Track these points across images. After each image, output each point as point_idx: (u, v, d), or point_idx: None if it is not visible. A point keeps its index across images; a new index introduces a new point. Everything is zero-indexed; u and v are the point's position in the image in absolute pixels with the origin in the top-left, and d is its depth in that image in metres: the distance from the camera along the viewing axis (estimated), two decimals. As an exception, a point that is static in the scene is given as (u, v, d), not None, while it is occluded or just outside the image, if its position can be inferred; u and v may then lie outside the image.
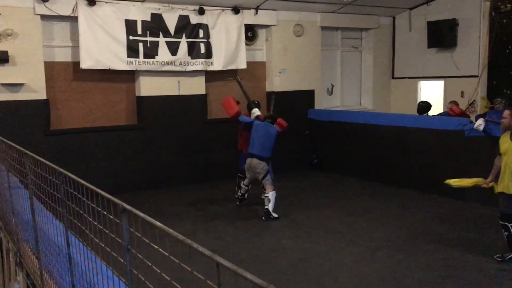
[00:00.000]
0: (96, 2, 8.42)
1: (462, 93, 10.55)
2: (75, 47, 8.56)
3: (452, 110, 8.77)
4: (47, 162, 3.50)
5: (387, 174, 9.36)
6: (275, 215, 7.30)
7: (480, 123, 7.50)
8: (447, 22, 10.62)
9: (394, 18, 12.24)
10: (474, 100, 10.31)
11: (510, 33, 10.93)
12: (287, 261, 5.63)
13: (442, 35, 10.72)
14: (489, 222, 6.89)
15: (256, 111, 7.83)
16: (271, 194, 7.31)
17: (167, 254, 2.07)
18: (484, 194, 7.69)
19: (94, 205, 2.67)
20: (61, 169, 3.14)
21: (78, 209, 3.03)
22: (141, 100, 9.28)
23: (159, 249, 2.14)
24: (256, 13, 10.16)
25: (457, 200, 7.97)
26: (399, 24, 12.17)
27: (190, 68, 9.46)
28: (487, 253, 5.67)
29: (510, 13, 10.80)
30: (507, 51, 11.07)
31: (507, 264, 5.33)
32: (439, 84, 11.36)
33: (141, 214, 2.16)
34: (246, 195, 7.97)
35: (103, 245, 2.73)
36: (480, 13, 10.22)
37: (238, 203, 8.03)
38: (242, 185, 7.97)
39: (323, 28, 11.31)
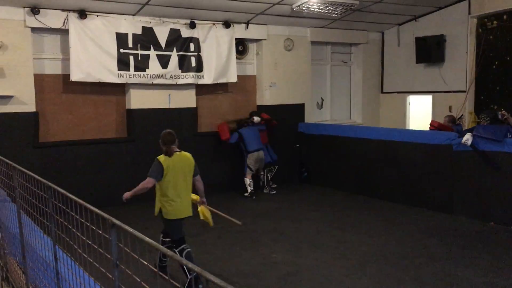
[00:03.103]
0: (87, 15, 8.45)
1: (450, 108, 10.68)
2: (66, 59, 8.55)
3: (431, 125, 8.86)
4: (35, 176, 3.48)
5: (376, 187, 9.41)
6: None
7: (468, 138, 7.60)
8: (435, 38, 10.79)
9: (383, 33, 12.41)
10: (462, 115, 10.44)
11: (496, 49, 11.13)
12: (276, 275, 5.62)
13: (430, 50, 10.87)
14: (476, 235, 6.95)
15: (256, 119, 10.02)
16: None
17: (156, 269, 2.06)
18: (471, 208, 7.78)
19: (82, 220, 2.65)
20: (49, 183, 3.12)
21: (66, 223, 3.01)
22: (131, 113, 9.27)
23: (148, 264, 2.13)
24: (247, 28, 10.24)
25: (444, 214, 8.04)
26: (388, 40, 12.34)
27: (181, 81, 9.48)
28: (475, 266, 5.71)
29: (497, 30, 11.01)
30: (494, 67, 11.26)
31: (494, 277, 5.36)
32: (428, 99, 11.49)
33: (130, 229, 2.15)
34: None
35: (91, 260, 2.71)
36: (467, 29, 10.41)
37: (254, 197, 9.63)
38: (249, 181, 9.75)
39: (313, 42, 11.42)
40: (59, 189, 2.96)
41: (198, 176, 5.49)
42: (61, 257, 3.23)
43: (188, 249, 5.23)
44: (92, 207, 2.51)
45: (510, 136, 7.32)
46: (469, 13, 10.32)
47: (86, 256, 2.77)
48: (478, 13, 10.23)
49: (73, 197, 2.75)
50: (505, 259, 5.95)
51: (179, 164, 5.21)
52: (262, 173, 10.07)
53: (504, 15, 11.01)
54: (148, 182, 5.16)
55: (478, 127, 7.76)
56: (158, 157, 5.21)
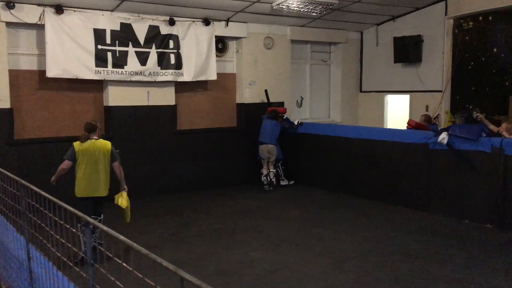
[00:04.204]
0: (64, 10, 8.30)
1: (427, 107, 10.84)
2: (42, 55, 8.39)
3: (409, 124, 9.02)
4: (8, 173, 3.40)
5: (354, 186, 9.49)
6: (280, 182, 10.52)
7: (443, 137, 7.72)
8: (413, 38, 10.93)
9: (362, 33, 12.52)
10: (438, 114, 10.60)
11: (472, 49, 11.32)
12: (255, 273, 5.62)
13: (407, 50, 11.01)
14: (452, 233, 7.07)
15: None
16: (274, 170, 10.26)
17: (131, 268, 2.03)
18: (447, 205, 7.91)
19: (56, 218, 2.60)
20: (22, 181, 3.05)
21: (40, 222, 2.95)
22: (109, 110, 9.15)
23: (123, 263, 2.10)
24: (227, 25, 10.21)
25: (421, 212, 8.15)
26: (367, 39, 12.45)
27: (160, 78, 9.39)
28: (451, 263, 5.81)
29: (473, 31, 11.21)
30: (470, 67, 11.47)
31: (469, 274, 5.46)
32: (405, 98, 11.64)
33: (105, 228, 2.12)
34: (272, 179, 10.21)
35: (65, 259, 2.66)
36: (444, 30, 10.57)
37: (271, 188, 10.16)
38: (264, 172, 10.17)
39: (293, 41, 11.46)
40: (32, 187, 2.90)
41: (116, 162, 6.12)
42: (34, 256, 3.17)
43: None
44: (66, 205, 2.46)
45: (484, 135, 7.46)
46: (446, 14, 10.49)
47: (60, 255, 2.72)
48: (455, 14, 10.40)
49: (47, 195, 2.70)
50: (480, 256, 6.07)
51: (90, 149, 5.93)
52: (272, 167, 10.27)
53: (480, 16, 11.21)
54: (63, 164, 5.95)
55: (454, 126, 7.88)
56: (74, 143, 6.00)
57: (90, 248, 2.23)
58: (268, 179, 10.13)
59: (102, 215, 6.10)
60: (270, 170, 10.15)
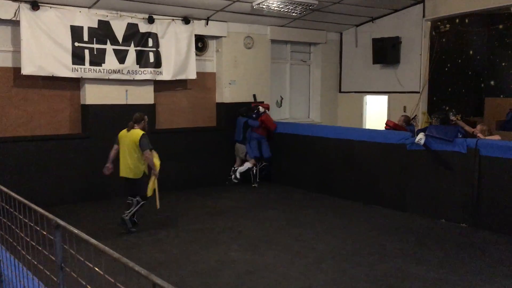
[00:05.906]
0: (40, 7, 8.13)
1: (405, 108, 10.96)
2: (17, 52, 8.20)
3: (387, 125, 9.13)
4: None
5: (332, 185, 9.54)
6: (237, 175, 10.47)
7: (421, 137, 7.83)
8: (391, 39, 11.03)
9: (341, 34, 12.59)
10: (416, 115, 10.73)
11: (449, 52, 11.51)
12: (234, 273, 5.59)
13: (386, 52, 11.11)
14: (428, 232, 7.17)
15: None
16: (247, 164, 10.42)
17: (102, 272, 1.99)
18: (423, 205, 8.02)
19: (26, 220, 2.54)
20: (-8, 182, 2.97)
21: (10, 223, 2.88)
22: (86, 108, 9.00)
23: (94, 267, 2.05)
24: (207, 24, 10.15)
25: (398, 211, 8.24)
26: (346, 40, 12.53)
27: (139, 77, 9.29)
28: (427, 262, 5.88)
29: (449, 33, 11.39)
30: (446, 69, 11.65)
31: (445, 273, 5.54)
32: (383, 99, 11.75)
33: (75, 230, 2.07)
34: (236, 176, 10.50)
35: (35, 262, 2.59)
36: (422, 32, 10.70)
37: (226, 183, 10.54)
38: (233, 168, 10.56)
39: (273, 41, 11.46)
40: (1, 187, 2.82)
41: (145, 152, 6.90)
42: (4, 258, 3.09)
43: (128, 201, 7.12)
44: (36, 207, 2.40)
45: (460, 136, 7.59)
46: (424, 16, 10.62)
47: (30, 258, 2.65)
48: (432, 16, 10.54)
49: (17, 196, 2.63)
50: (456, 255, 6.16)
51: (124, 137, 7.02)
52: (249, 164, 10.46)
53: (457, 19, 11.40)
54: (112, 147, 7.18)
55: (431, 127, 7.99)
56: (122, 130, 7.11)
57: (61, 251, 2.18)
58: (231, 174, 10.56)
59: (137, 198, 7.00)
60: (236, 167, 10.56)
